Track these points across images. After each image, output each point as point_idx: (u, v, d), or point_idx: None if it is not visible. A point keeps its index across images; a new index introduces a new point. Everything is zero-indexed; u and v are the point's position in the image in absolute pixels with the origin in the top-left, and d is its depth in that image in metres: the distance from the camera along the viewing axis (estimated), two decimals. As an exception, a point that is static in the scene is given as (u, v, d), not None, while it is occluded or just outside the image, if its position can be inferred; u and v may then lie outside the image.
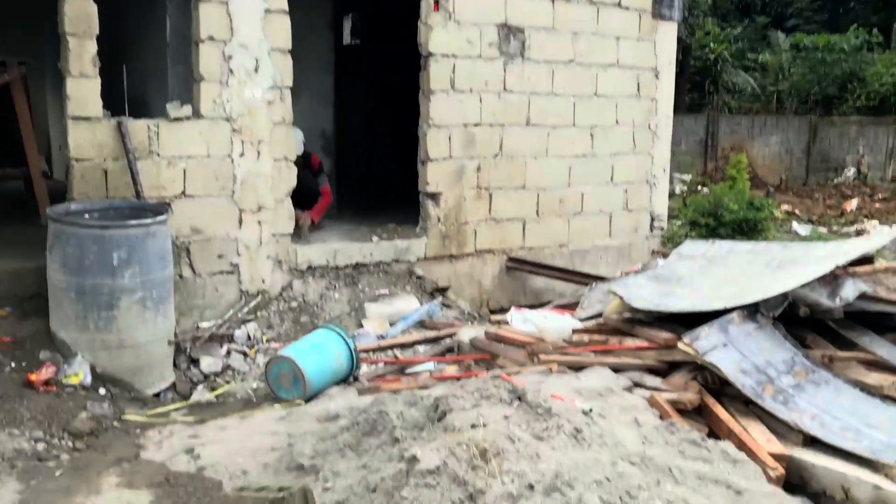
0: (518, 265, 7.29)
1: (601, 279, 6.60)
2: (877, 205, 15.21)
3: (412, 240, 6.80)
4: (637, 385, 4.20)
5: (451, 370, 5.06)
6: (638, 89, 7.97)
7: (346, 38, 11.24)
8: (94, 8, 5.27)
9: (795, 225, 13.11)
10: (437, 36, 6.61)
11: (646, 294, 4.98)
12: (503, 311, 7.18)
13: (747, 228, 9.45)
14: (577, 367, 4.39)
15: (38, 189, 6.17)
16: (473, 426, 2.81)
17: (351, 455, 3.76)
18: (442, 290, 6.71)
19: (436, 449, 2.49)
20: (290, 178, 6.17)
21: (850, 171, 18.17)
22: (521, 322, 5.50)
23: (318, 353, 4.83)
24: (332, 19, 8.28)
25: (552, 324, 5.17)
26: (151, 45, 6.87)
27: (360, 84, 9.70)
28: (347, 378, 4.99)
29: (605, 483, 2.66)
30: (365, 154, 9.46)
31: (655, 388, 4.13)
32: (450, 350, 5.55)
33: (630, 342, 4.65)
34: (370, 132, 9.69)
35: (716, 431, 3.83)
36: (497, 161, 7.09)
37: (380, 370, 5.26)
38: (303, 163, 7.03)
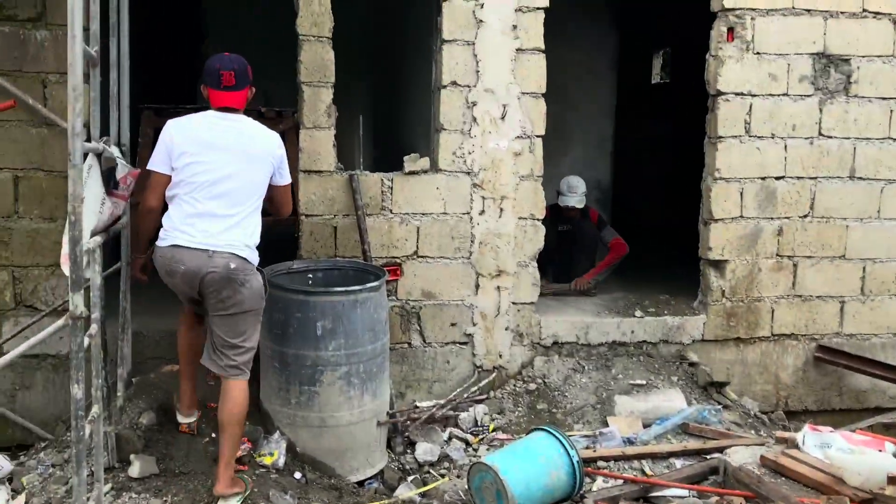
0: (831, 357, 5.67)
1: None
2: None
3: (687, 317, 5.56)
4: None
5: (702, 510, 3.82)
6: None
7: (655, 77, 10.20)
8: (332, 55, 4.96)
9: None
10: (730, 71, 5.38)
11: None
12: (807, 414, 5.66)
13: None
14: (882, 547, 2.97)
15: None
16: None
17: None
18: (719, 386, 5.36)
19: None
20: (537, 239, 5.34)
21: None
22: (816, 447, 4.07)
23: (529, 462, 3.90)
24: (617, 59, 7.33)
25: (859, 460, 3.68)
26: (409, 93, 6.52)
27: (665, 126, 8.50)
28: (571, 496, 3.99)
29: None
30: (649, 210, 8.22)
31: None
32: (714, 471, 4.27)
33: (977, 514, 3.09)
34: (659, 183, 8.41)
35: None
36: (806, 223, 5.60)
37: (615, 489, 4.17)
38: (580, 217, 6.26)
